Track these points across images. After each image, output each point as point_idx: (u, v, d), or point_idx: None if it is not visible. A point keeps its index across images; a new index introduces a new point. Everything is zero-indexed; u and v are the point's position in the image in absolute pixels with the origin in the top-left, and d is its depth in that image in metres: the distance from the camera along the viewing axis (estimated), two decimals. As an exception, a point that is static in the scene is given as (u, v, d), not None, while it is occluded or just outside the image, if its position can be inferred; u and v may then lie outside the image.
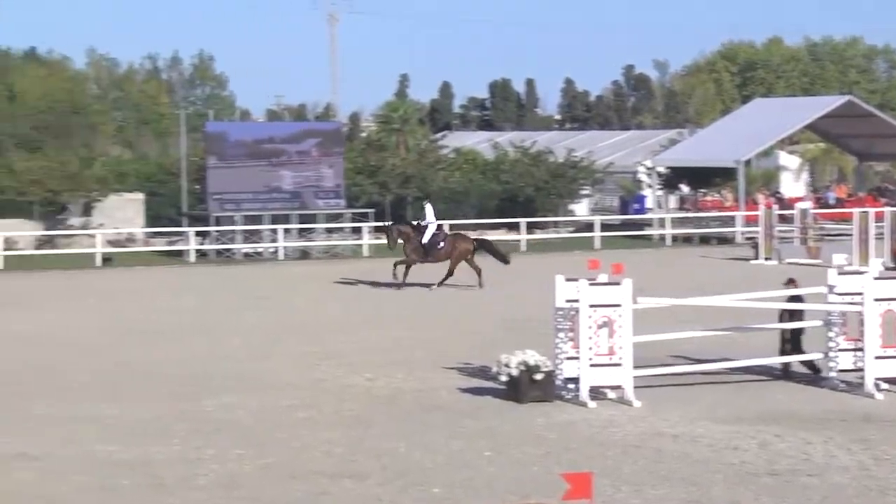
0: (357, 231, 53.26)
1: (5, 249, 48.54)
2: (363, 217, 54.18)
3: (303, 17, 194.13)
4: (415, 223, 38.82)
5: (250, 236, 52.28)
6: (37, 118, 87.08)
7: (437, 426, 17.29)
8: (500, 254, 38.74)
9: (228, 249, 51.57)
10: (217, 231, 51.99)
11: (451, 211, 60.00)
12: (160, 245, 54.36)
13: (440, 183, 60.91)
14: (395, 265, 36.66)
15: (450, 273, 36.97)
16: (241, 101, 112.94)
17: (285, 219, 52.08)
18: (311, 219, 52.97)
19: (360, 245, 52.50)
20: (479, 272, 36.94)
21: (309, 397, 19.52)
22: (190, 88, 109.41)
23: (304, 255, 51.85)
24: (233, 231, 51.97)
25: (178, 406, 18.75)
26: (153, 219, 57.01)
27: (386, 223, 39.29)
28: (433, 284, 36.29)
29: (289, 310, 32.00)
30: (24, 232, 53.35)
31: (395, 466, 15.00)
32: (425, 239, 37.04)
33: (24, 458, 15.26)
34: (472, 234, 43.06)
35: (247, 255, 51.52)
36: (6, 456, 15.37)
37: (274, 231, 51.95)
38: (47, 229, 54.48)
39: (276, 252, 51.62)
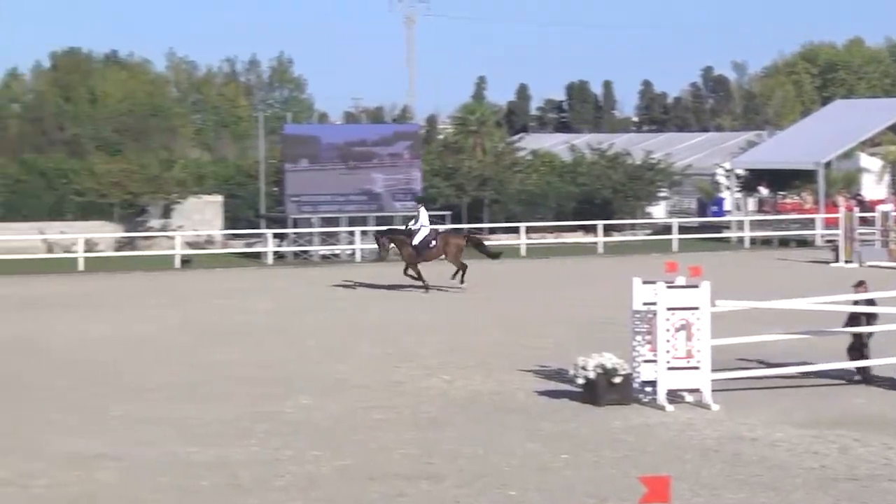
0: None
1: (86, 251, 49.03)
2: (440, 219, 54.26)
3: (380, 20, 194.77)
4: (405, 228, 38.81)
5: (327, 238, 52.50)
6: (117, 121, 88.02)
7: (514, 428, 17.26)
8: (489, 251, 39.13)
9: (306, 251, 51.81)
10: (294, 233, 52.25)
11: (527, 213, 59.99)
12: (238, 247, 54.72)
13: (517, 185, 60.87)
14: (406, 273, 37.06)
15: (459, 268, 37.07)
16: (319, 104, 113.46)
17: (362, 221, 52.23)
18: (389, 221, 53.11)
19: (437, 247, 52.52)
20: (463, 269, 36.97)
21: (386, 399, 19.55)
22: (268, 91, 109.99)
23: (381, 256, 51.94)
24: (310, 233, 52.21)
25: (256, 407, 18.84)
26: (231, 221, 57.39)
27: (376, 231, 39.39)
28: (462, 285, 36.60)
29: (365, 311, 32.07)
30: (105, 234, 53.87)
31: (472, 469, 14.99)
32: (416, 241, 37.09)
33: (104, 459, 15.39)
34: (486, 235, 43.12)
35: (324, 256, 51.73)
36: (87, 456, 15.51)
37: (351, 233, 52.14)
38: (127, 231, 54.97)
39: (353, 254, 51.78)
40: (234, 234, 56.00)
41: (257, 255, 51.45)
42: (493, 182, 59.40)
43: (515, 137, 74.76)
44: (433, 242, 37.36)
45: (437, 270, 36.89)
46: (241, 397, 19.75)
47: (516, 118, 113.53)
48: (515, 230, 55.03)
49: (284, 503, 13.44)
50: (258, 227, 53.86)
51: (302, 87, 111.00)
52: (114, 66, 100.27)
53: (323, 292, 37.07)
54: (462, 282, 36.64)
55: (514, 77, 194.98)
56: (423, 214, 38.04)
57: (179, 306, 33.87)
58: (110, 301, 35.37)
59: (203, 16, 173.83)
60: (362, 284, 37.81)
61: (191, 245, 54.10)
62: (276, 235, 51.75)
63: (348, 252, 52.01)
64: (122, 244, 54.19)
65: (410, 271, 36.97)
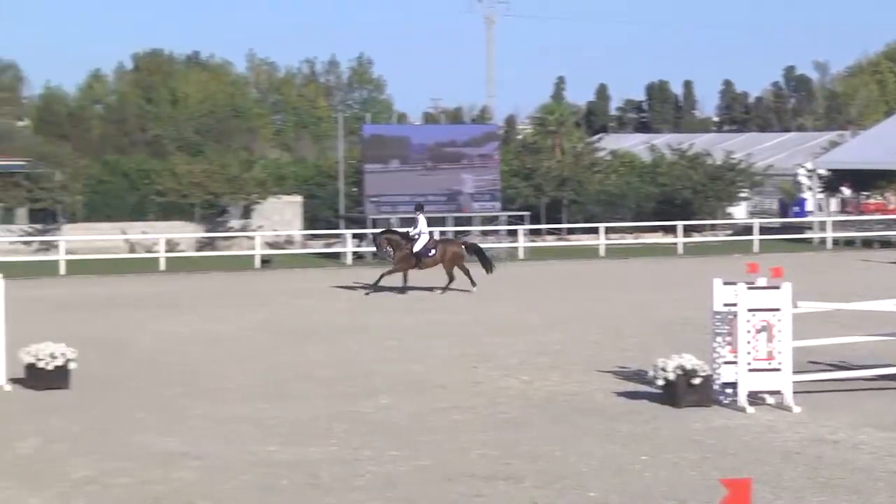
0: (512, 233, 53.29)
1: (167, 251, 49.45)
2: (519, 219, 54.20)
3: (460, 20, 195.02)
4: (404, 231, 38.68)
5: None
6: (198, 122, 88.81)
7: (592, 430, 17.20)
8: (487, 261, 38.51)
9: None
10: (373, 233, 52.40)
11: (607, 214, 59.82)
12: (318, 247, 54.97)
13: (596, 185, 60.73)
14: (384, 275, 36.93)
15: (449, 277, 37.06)
16: (399, 105, 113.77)
17: (441, 221, 52.29)
18: (467, 221, 53.14)
19: (516, 248, 52.51)
20: (451, 280, 36.99)
21: (464, 399, 19.55)
22: (348, 92, 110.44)
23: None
24: (389, 233, 52.33)
25: (335, 407, 18.91)
26: (311, 221, 57.71)
27: (375, 232, 39.11)
28: (440, 293, 36.53)
29: (443, 311, 32.10)
30: (186, 234, 54.31)
31: (551, 470, 14.95)
32: (417, 248, 37.05)
33: (186, 458, 15.51)
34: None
35: (403, 257, 51.83)
36: (170, 455, 15.64)
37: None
38: (208, 231, 55.40)
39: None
40: (313, 235, 56.28)
41: (336, 256, 51.66)
42: (571, 182, 59.28)
43: (595, 138, 74.62)
44: (432, 251, 37.32)
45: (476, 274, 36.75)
46: (320, 397, 19.84)
47: (595, 118, 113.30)
48: (595, 231, 54.89)
49: (363, 503, 13.47)
50: (337, 228, 54.09)
51: (381, 88, 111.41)
52: (195, 67, 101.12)
53: (399, 292, 37.11)
54: (443, 291, 36.61)
55: (594, 77, 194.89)
56: (423, 221, 37.79)
57: (259, 306, 34.07)
58: (191, 301, 35.65)
59: (283, 17, 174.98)
60: (438, 285, 37.79)
61: (270, 245, 54.43)
62: (354, 236, 51.93)
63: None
64: (203, 244, 54.61)
65: (389, 276, 36.79)
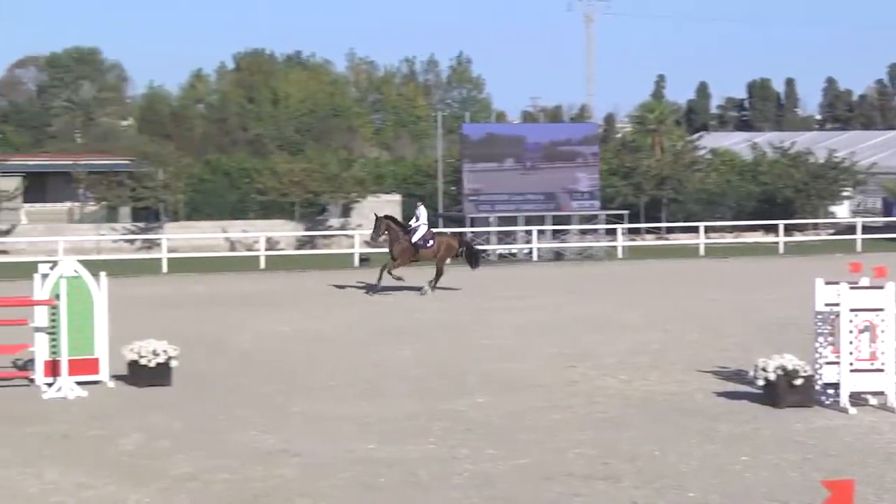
0: (611, 232, 53.10)
1: (267, 249, 49.81)
2: (618, 218, 53.97)
3: (559, 19, 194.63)
4: (403, 223, 38.58)
5: (504, 237, 52.60)
6: (298, 121, 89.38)
7: (691, 430, 17.08)
8: (475, 257, 38.62)
9: (483, 250, 51.97)
10: (472, 232, 52.43)
11: (706, 212, 59.41)
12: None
13: (696, 184, 60.32)
14: (388, 271, 36.58)
15: (439, 273, 37.09)
16: (497, 103, 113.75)
17: (539, 220, 52.22)
18: (566, 220, 53.02)
19: (615, 246, 52.30)
20: (440, 275, 36.87)
21: (562, 398, 19.50)
22: (447, 91, 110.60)
23: (558, 256, 51.91)
24: (487, 232, 52.35)
25: (433, 405, 18.94)
26: (410, 220, 57.87)
27: (377, 215, 38.52)
28: (431, 292, 36.34)
29: (541, 310, 32.05)
30: (286, 232, 54.70)
31: (650, 469, 14.87)
32: (415, 238, 36.95)
33: (285, 455, 15.61)
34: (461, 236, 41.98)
35: (501, 255, 51.83)
36: (269, 453, 15.75)
37: (528, 232, 52.16)
38: (308, 230, 55.74)
39: (529, 253, 51.79)
40: (411, 233, 56.40)
41: (435, 254, 51.73)
42: (671, 181, 58.94)
43: (695, 136, 74.14)
44: (430, 241, 37.26)
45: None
46: (417, 395, 19.88)
47: (696, 117, 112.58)
48: (694, 230, 54.54)
49: (462, 501, 13.48)
50: (435, 227, 54.21)
51: (480, 87, 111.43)
52: (296, 66, 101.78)
53: (498, 291, 37.12)
54: (433, 289, 36.52)
55: (694, 75, 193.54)
56: (423, 213, 37.84)
57: (358, 305, 34.23)
58: (290, 299, 35.89)
59: (383, 17, 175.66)
60: (536, 284, 37.73)
61: (369, 244, 54.64)
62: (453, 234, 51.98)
63: (525, 251, 52.04)
64: (303, 243, 54.97)
65: (393, 271, 36.63)
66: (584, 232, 53.20)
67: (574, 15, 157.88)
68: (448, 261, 37.88)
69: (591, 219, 53.55)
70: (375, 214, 38.70)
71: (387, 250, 37.87)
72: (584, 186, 52.91)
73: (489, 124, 67.88)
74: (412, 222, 37.96)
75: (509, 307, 33.03)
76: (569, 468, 14.91)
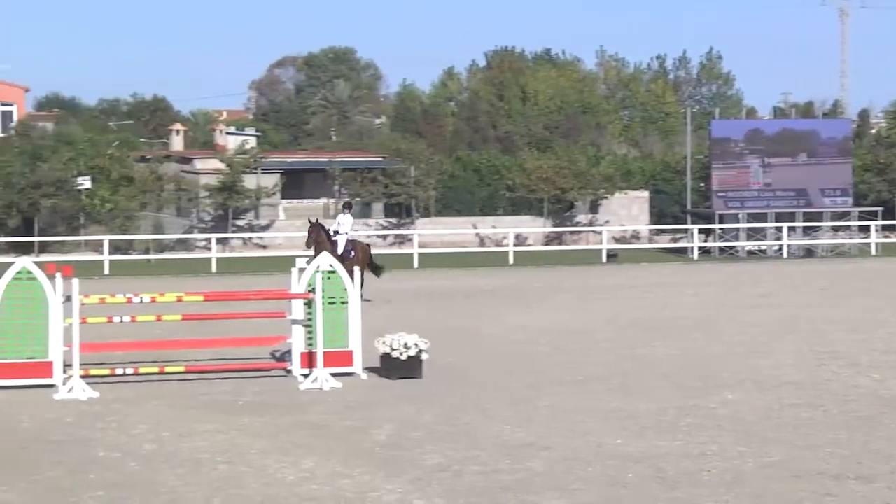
0: (864, 229, 51.96)
1: (515, 245, 50.18)
2: (871, 215, 52.77)
3: (812, 13, 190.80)
4: (329, 231, 34.15)
5: (754, 234, 51.94)
6: (548, 118, 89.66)
7: (948, 431, 16.68)
8: (377, 269, 34.79)
9: (731, 247, 51.38)
10: (720, 229, 51.90)
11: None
12: (664, 242, 54.82)
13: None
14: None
15: (361, 282, 31.62)
16: (748, 99, 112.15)
17: (790, 216, 51.43)
18: (817, 217, 52.09)
19: (868, 244, 51.17)
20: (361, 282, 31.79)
21: (813, 397, 19.24)
22: (696, 87, 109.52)
23: (809, 253, 51.04)
24: (736, 229, 51.79)
25: (681, 401, 18.89)
26: (657, 216, 57.58)
27: (311, 220, 34.59)
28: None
29: (792, 307, 31.60)
30: (534, 228, 55.01)
31: (904, 471, 14.59)
32: (340, 250, 32.87)
33: (534, 448, 15.77)
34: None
35: (750, 252, 51.21)
36: (518, 445, 15.93)
37: (778, 229, 51.41)
38: (555, 226, 55.97)
39: (779, 250, 51.04)
40: (659, 230, 56.16)
41: (682, 251, 51.40)
42: (929, 177, 57.38)
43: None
44: (352, 252, 33.51)
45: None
46: (665, 390, 19.85)
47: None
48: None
49: (710, 497, 13.45)
50: (684, 223, 53.81)
51: (730, 83, 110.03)
52: (545, 64, 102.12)
53: (747, 288, 36.72)
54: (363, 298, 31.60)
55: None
56: (348, 221, 34.27)
57: (606, 300, 34.26)
58: (539, 294, 36.11)
59: (633, 14, 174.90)
60: (786, 281, 37.20)
61: (617, 240, 54.58)
62: (701, 231, 51.57)
63: (775, 248, 51.32)
64: (550, 238, 55.20)
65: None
66: (836, 229, 52.18)
67: (828, 9, 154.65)
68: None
69: (843, 215, 52.50)
70: (309, 220, 35.29)
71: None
72: (837, 183, 51.88)
73: (740, 121, 66.97)
74: (334, 229, 34.08)
75: (759, 304, 32.66)
76: (820, 467, 14.73)
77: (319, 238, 33.14)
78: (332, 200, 61.70)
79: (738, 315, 30.16)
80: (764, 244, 51.70)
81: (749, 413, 18.04)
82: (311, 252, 30.93)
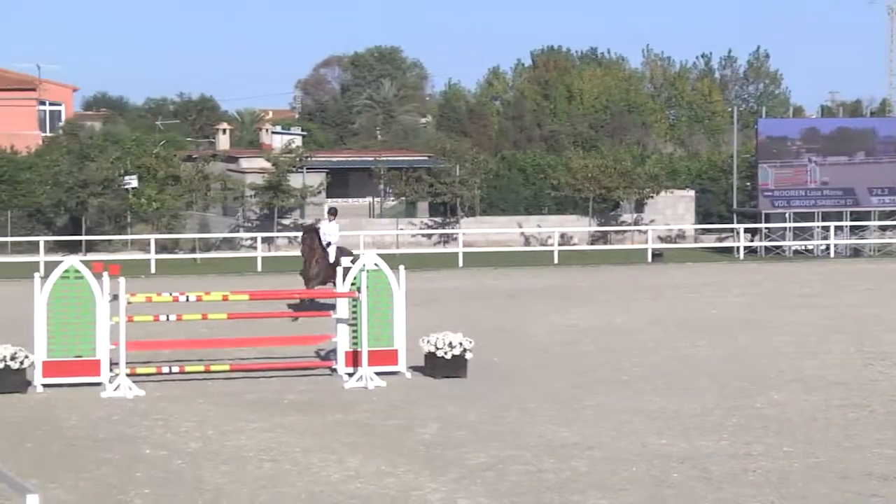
0: (913, 229, 51.65)
1: (560, 244, 50.13)
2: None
3: (859, 12, 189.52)
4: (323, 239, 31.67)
5: (800, 233, 51.71)
6: (593, 117, 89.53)
7: None
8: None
9: (778, 246, 51.17)
10: (767, 228, 51.68)
11: None
12: (709, 241, 54.63)
13: None
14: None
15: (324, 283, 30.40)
16: (795, 98, 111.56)
17: (837, 216, 51.16)
18: (865, 216, 51.80)
19: (917, 243, 50.86)
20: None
21: (860, 397, 19.15)
22: (743, 86, 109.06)
23: (856, 253, 50.75)
24: (783, 228, 51.55)
25: (727, 401, 18.84)
26: (703, 215, 57.37)
27: (304, 226, 31.84)
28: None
29: (839, 307, 31.44)
30: (579, 228, 54.94)
31: (951, 472, 14.50)
32: (332, 258, 30.48)
33: (578, 448, 15.76)
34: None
35: (796, 252, 50.97)
36: (563, 445, 15.92)
37: (825, 228, 51.15)
38: (601, 225, 55.86)
39: (826, 249, 50.78)
40: (705, 229, 55.97)
41: (728, 250, 51.21)
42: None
43: None
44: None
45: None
46: (711, 391, 19.80)
47: None
48: None
49: (755, 498, 13.40)
50: (730, 222, 53.62)
51: (777, 82, 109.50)
52: (591, 63, 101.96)
53: (794, 288, 36.55)
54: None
55: None
56: (334, 228, 31.76)
57: (651, 300, 34.19)
58: (584, 293, 36.06)
59: (680, 13, 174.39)
60: (833, 281, 36.96)
61: (662, 239, 54.43)
62: (747, 230, 51.36)
63: (822, 248, 51.05)
64: (596, 238, 55.10)
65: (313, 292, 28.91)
66: (882, 228, 51.86)
67: (876, 7, 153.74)
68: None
69: (890, 215, 52.17)
70: (303, 225, 32.85)
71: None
72: (885, 182, 51.57)
73: (786, 119, 66.64)
74: (325, 237, 31.58)
75: (806, 303, 32.51)
76: (867, 468, 14.66)
77: (314, 245, 31.29)
78: (377, 200, 61.80)
79: (785, 315, 30.03)
80: (811, 243, 51.47)
81: (795, 414, 17.97)
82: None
